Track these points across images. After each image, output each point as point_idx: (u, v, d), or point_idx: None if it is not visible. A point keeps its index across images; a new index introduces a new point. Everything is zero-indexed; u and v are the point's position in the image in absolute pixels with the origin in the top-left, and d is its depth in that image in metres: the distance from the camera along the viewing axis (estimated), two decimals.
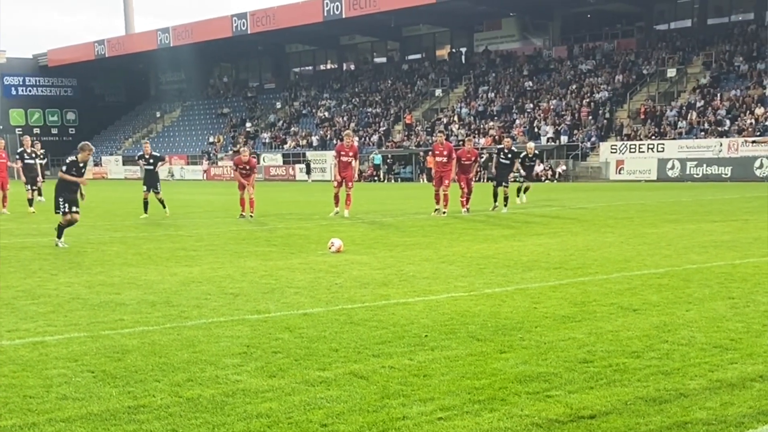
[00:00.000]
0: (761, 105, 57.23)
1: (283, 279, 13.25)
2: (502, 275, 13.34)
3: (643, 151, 58.55)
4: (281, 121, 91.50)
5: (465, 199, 28.02)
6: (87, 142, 19.64)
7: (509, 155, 29.61)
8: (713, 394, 6.73)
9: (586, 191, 42.62)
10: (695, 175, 54.51)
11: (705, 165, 54.63)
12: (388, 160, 73.65)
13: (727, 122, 57.38)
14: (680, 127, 59.39)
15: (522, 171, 32.49)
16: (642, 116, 62.87)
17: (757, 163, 49.70)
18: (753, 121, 55.98)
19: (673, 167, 56.01)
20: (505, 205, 28.78)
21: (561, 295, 11.36)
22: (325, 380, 7.29)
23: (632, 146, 59.46)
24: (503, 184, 28.98)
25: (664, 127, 60.29)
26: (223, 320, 9.94)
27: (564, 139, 64.66)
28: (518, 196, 32.39)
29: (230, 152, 78.33)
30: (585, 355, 8.00)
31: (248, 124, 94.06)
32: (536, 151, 33.75)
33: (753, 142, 52.81)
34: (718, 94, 60.91)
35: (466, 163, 28.17)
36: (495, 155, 30.94)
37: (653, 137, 59.53)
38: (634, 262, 14.72)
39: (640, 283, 12.26)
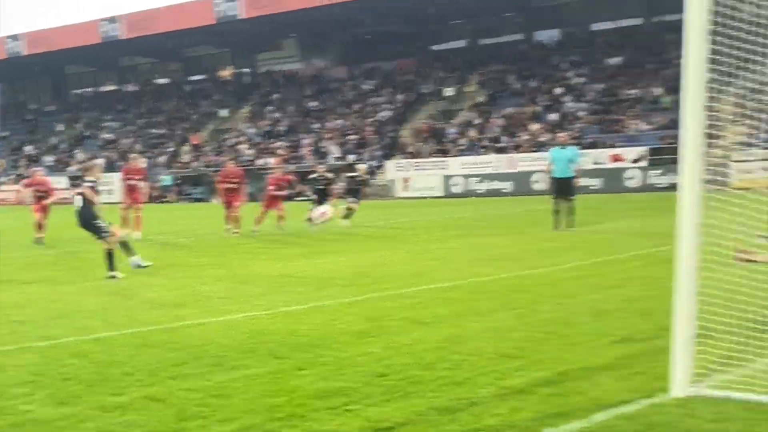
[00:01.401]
0: (535, 121, 59.84)
1: (73, 303, 12.88)
2: (299, 293, 13.41)
3: (428, 169, 59.97)
4: (64, 144, 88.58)
5: (279, 216, 28.17)
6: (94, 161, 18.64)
7: (324, 182, 29.87)
8: (502, 401, 6.99)
9: (376, 209, 43.22)
10: (478, 191, 56.30)
11: (487, 180, 56.52)
12: (178, 181, 72.56)
13: (505, 138, 59.69)
14: (461, 144, 61.31)
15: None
16: (424, 134, 64.51)
17: (534, 177, 51.69)
18: (528, 137, 58.46)
19: (457, 183, 57.67)
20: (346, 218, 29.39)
21: (357, 311, 11.53)
22: (120, 405, 7.14)
23: (417, 164, 60.86)
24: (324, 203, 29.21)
25: (445, 145, 62.09)
26: (8, 349, 9.56)
27: (351, 158, 65.46)
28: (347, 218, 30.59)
29: (13, 176, 75.26)
30: (382, 369, 8.16)
31: (29, 147, 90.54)
32: (329, 175, 32.14)
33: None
34: (495, 112, 63.35)
35: (276, 191, 28.62)
36: (310, 185, 30.53)
37: (436, 155, 61.17)
38: (424, 277, 15.07)
39: (430, 297, 12.59)
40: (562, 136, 26.24)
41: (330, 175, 30.73)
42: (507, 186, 55.37)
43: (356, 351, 8.99)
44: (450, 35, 77.20)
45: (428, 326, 10.34)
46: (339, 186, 32.78)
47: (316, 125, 71.44)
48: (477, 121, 63.24)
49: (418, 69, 73.97)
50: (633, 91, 58.86)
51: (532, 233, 23.88)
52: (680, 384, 6.86)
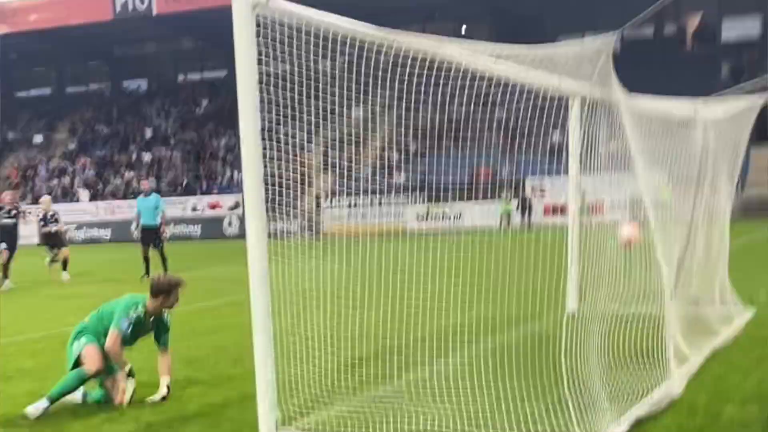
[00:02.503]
0: (129, 169, 59.36)
1: None
2: None
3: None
4: None
5: None
6: None
7: (13, 213, 24.23)
8: None
9: None
10: (76, 239, 54.55)
11: (85, 228, 54.87)
12: None
13: (99, 186, 58.73)
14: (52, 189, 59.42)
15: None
16: (13, 181, 61.71)
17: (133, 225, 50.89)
18: (123, 184, 57.96)
19: None
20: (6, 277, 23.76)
21: None
22: None
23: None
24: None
25: (37, 192, 59.98)
26: None
27: None
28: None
29: None
30: None
31: None
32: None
33: None
34: (87, 159, 62.38)
35: None
36: None
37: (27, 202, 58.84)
38: (11, 328, 14.34)
39: (15, 350, 12.03)
40: (145, 184, 26.05)
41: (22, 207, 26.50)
42: (106, 233, 54.14)
43: None
44: (35, 82, 74.69)
45: (8, 381, 9.87)
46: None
47: None
48: (70, 168, 61.52)
49: (3, 115, 70.74)
50: (224, 140, 59.92)
51: (126, 281, 23.38)
52: (267, 428, 6.83)
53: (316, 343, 7.93)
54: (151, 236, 24.19)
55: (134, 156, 61.06)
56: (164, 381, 8.76)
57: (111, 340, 8.63)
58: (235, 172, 55.90)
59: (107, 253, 39.98)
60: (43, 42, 62.92)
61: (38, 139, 65.92)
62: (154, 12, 56.23)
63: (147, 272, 23.89)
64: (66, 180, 60.33)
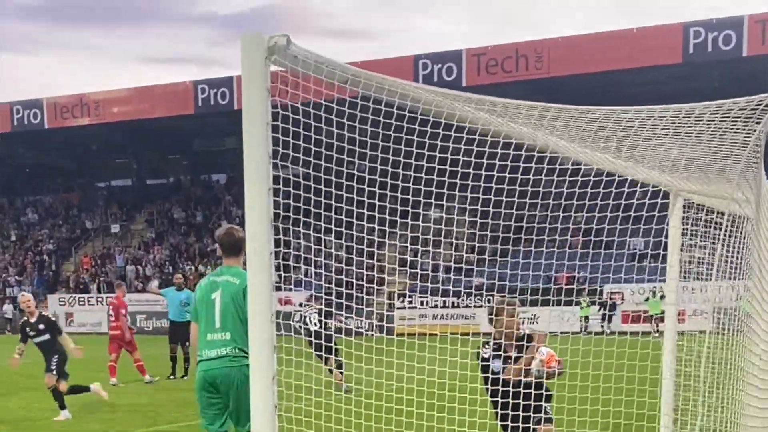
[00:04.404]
0: (205, 259, 59.50)
1: None
2: None
3: (93, 304, 57.75)
4: None
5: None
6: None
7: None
8: None
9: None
10: (146, 328, 54.57)
11: (155, 317, 54.77)
12: None
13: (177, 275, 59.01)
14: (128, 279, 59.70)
15: None
16: (90, 269, 62.29)
17: None
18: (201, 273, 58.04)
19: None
20: None
21: None
22: None
23: (81, 299, 58.43)
24: None
25: (113, 279, 60.47)
26: None
27: (10, 291, 62.14)
28: None
29: None
30: None
31: None
32: None
33: None
34: (162, 249, 62.89)
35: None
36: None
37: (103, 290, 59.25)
38: None
39: None
40: (177, 277, 25.01)
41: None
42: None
43: None
44: (115, 174, 75.94)
45: None
46: None
47: None
48: (145, 257, 62.12)
49: (82, 204, 72.17)
50: (301, 238, 59.61)
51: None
52: None
53: None
54: (179, 333, 21.77)
55: (209, 247, 61.32)
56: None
57: None
58: (309, 269, 55.55)
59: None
60: (125, 134, 63.83)
61: (115, 228, 66.65)
62: (235, 107, 56.74)
63: (173, 373, 22.73)
64: (140, 269, 60.70)
